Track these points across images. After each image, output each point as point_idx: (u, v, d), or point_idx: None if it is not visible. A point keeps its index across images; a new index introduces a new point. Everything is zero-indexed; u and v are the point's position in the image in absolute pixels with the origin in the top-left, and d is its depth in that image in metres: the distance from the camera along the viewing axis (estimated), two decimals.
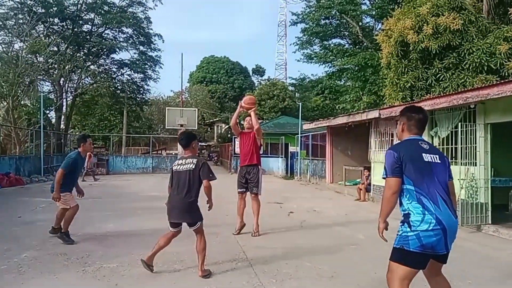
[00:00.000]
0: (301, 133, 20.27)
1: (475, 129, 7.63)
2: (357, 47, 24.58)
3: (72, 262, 4.77)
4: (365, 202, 11.12)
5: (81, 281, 4.10)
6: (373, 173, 11.51)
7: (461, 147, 7.66)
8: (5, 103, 21.37)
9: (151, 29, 29.31)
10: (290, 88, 40.68)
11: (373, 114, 10.77)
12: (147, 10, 28.34)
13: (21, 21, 23.50)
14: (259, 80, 55.53)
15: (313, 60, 26.12)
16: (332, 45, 25.72)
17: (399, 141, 2.96)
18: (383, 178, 2.77)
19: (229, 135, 37.46)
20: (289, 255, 5.25)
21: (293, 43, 27.03)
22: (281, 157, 23.24)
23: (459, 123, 7.82)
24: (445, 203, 2.65)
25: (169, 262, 4.78)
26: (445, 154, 3.05)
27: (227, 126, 44.93)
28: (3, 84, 20.20)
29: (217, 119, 46.65)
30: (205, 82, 52.97)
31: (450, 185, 2.81)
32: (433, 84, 11.28)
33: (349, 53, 22.95)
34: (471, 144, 7.65)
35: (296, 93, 40.72)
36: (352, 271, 4.63)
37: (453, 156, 8.19)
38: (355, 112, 13.57)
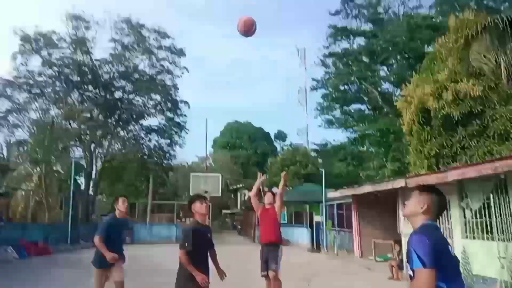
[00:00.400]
0: (325, 202, 19.74)
1: (509, 200, 7.32)
2: (377, 112, 24.92)
3: None
4: (400, 282, 10.34)
5: None
6: (404, 247, 10.95)
7: (496, 221, 7.33)
8: (38, 169, 22.26)
9: (178, 96, 30.79)
10: (313, 154, 40.79)
11: (399, 183, 10.53)
12: (175, 78, 30.07)
13: (58, 88, 25.23)
14: (282, 146, 56.22)
15: (334, 126, 26.51)
16: (352, 110, 26.20)
17: (422, 225, 2.45)
18: (413, 269, 2.27)
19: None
20: None
21: (314, 109, 27.73)
22: (306, 228, 22.31)
23: (491, 195, 7.55)
24: None
25: None
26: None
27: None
28: (37, 150, 21.19)
29: (241, 185, 46.63)
30: (228, 147, 53.97)
31: None
32: (458, 152, 11.05)
33: (370, 119, 23.24)
34: (507, 217, 7.29)
35: (319, 159, 40.70)
36: None
37: (489, 230, 7.81)
38: (380, 180, 13.35)
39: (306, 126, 70.92)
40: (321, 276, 10.36)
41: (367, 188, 12.85)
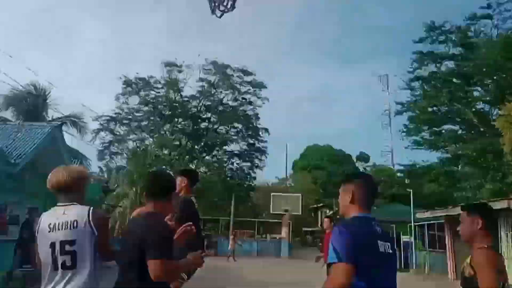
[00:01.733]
0: (415, 222, 18.63)
1: None
2: (472, 132, 22.91)
3: None
4: None
5: None
6: (509, 271, 9.78)
7: None
8: (133, 190, 24.48)
9: (259, 124, 32.06)
10: (399, 174, 38.65)
11: (500, 204, 9.58)
12: (256, 108, 31.54)
13: (152, 122, 28.09)
14: (364, 167, 54.23)
15: (422, 147, 24.94)
16: (443, 131, 24.45)
17: (351, 218, 2.19)
18: (329, 263, 2.02)
19: (333, 223, 36.21)
20: None
21: (399, 131, 26.46)
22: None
23: None
24: None
25: None
26: None
27: (331, 212, 43.73)
28: (133, 173, 23.39)
29: (321, 204, 45.87)
30: (308, 169, 53.69)
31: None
32: None
33: (463, 139, 21.44)
34: None
35: (406, 180, 38.39)
36: None
37: None
38: (478, 201, 12.21)
39: (390, 148, 67.93)
40: None
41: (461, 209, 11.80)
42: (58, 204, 2.41)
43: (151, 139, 27.45)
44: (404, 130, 25.80)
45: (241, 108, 31.58)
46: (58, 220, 2.30)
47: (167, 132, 29.26)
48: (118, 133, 28.17)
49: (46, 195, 11.81)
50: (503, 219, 10.11)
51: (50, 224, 2.29)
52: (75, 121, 23.06)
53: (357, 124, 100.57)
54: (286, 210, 23.23)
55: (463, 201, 15.15)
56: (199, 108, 30.11)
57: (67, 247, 2.23)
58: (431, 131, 24.99)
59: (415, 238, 18.89)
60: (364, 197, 2.23)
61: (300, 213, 25.07)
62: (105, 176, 30.17)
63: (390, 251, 2.15)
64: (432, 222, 16.74)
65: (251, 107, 31.61)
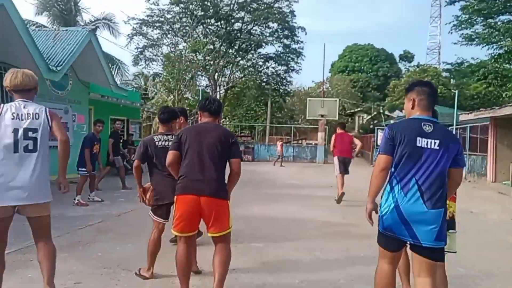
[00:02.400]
0: (456, 125, 18.10)
1: None
2: None
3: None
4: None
5: (233, 256, 4.57)
6: None
7: None
8: (171, 96, 24.97)
9: (295, 22, 30.15)
10: (444, 74, 36.53)
11: None
12: (292, 4, 29.26)
13: (184, 23, 27.09)
14: (407, 67, 51.49)
15: (474, 42, 22.83)
16: (499, 23, 22.01)
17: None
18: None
19: (371, 126, 36.01)
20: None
21: (449, 23, 24.10)
22: None
23: None
24: (419, 192, 2.48)
25: (311, 249, 4.93)
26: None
27: (369, 117, 43.20)
28: (170, 80, 23.59)
29: (359, 109, 45.17)
30: (347, 72, 51.78)
31: (454, 173, 2.60)
32: None
33: None
34: None
35: (452, 80, 36.37)
36: None
37: None
38: None
39: (438, 44, 63.07)
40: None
41: (510, 109, 11.20)
42: (17, 100, 2.90)
43: (184, 44, 26.85)
44: (455, 22, 23.46)
45: (276, 5, 29.55)
46: (21, 112, 2.83)
47: (200, 35, 28.43)
48: (151, 37, 27.70)
49: (90, 102, 12.34)
50: None
51: (14, 113, 2.81)
52: (108, 24, 22.81)
53: (402, 19, 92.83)
54: (322, 115, 23.09)
55: (511, 101, 14.27)
56: (231, 6, 28.39)
57: (30, 134, 2.80)
58: (486, 23, 22.59)
59: None
60: (422, 102, 2.63)
61: (337, 118, 24.85)
62: (143, 83, 30.77)
63: (436, 147, 2.49)
64: (475, 124, 16.16)
65: (287, 2, 29.43)
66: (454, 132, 18.29)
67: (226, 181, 3.12)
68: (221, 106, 3.56)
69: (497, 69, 25.19)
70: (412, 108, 2.66)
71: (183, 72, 23.78)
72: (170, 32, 27.89)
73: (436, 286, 2.59)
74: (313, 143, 28.08)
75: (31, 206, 2.81)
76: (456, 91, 21.08)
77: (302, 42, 30.93)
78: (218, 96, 29.92)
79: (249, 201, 8.61)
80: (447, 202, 2.66)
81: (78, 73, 11.51)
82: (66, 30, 11.09)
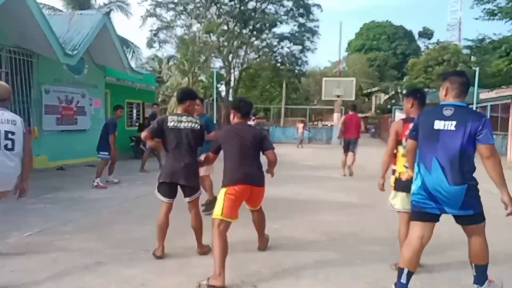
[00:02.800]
0: (477, 104, 17.63)
1: None
2: None
3: (241, 218, 5.26)
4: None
5: (250, 236, 4.60)
6: None
7: None
8: (186, 79, 25.00)
9: None
10: (465, 51, 35.37)
11: None
12: None
13: (198, 4, 26.73)
14: (426, 44, 50.09)
15: (497, 17, 21.92)
16: None
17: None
18: None
19: (388, 106, 35.40)
20: (457, 238, 4.72)
21: None
22: None
23: None
24: (441, 169, 2.79)
25: (327, 231, 4.95)
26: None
27: (387, 97, 42.42)
28: (184, 62, 23.57)
29: (376, 89, 44.36)
30: (364, 50, 50.67)
31: (479, 149, 2.81)
32: None
33: None
34: None
35: (472, 57, 35.22)
36: None
37: None
38: None
39: (458, 19, 60.91)
40: None
41: None
42: None
43: (198, 25, 26.57)
44: None
45: None
46: (1, 117, 3.33)
47: (213, 16, 28.06)
48: (165, 19, 27.49)
49: (106, 86, 12.45)
50: None
51: None
52: (121, 6, 22.73)
53: None
54: (338, 96, 22.76)
55: None
56: None
57: (9, 135, 3.33)
58: None
59: None
60: (454, 90, 2.91)
61: (353, 99, 24.44)
62: (157, 66, 30.81)
63: (452, 128, 2.78)
64: (496, 103, 15.71)
65: None
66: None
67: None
68: (251, 107, 3.99)
69: None
70: (445, 95, 2.95)
71: (197, 54, 23.68)
72: (183, 13, 27.58)
73: (478, 246, 3.09)
74: (329, 124, 27.82)
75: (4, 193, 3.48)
76: (477, 69, 20.37)
77: (317, 20, 30.27)
78: (232, 78, 29.80)
79: (266, 183, 8.64)
80: (403, 166, 3.48)
81: (94, 57, 11.58)
82: (81, 13, 11.11)
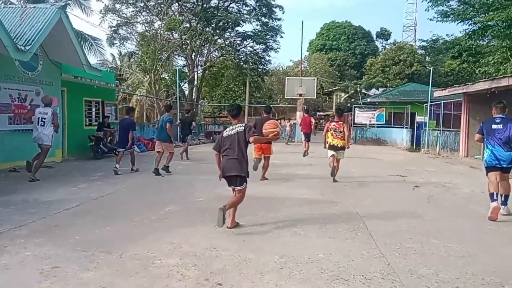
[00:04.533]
0: (431, 102, 18.50)
1: None
2: None
3: (206, 217, 5.36)
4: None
5: (214, 235, 4.60)
6: None
7: None
8: (148, 77, 24.42)
9: (273, 0, 29.63)
10: (420, 51, 37.01)
11: None
12: None
13: (159, 1, 26.15)
14: (384, 45, 51.87)
15: (449, 18, 23.02)
16: None
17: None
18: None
19: (348, 104, 36.36)
20: (414, 230, 4.98)
21: (426, 0, 24.19)
22: (406, 128, 21.71)
23: None
24: (500, 145, 5.71)
25: (290, 226, 5.01)
26: None
27: (346, 95, 43.55)
28: (146, 60, 22.99)
29: (336, 88, 45.44)
30: (324, 50, 51.74)
31: None
32: None
33: (496, 7, 19.60)
34: None
35: (427, 57, 36.92)
36: (488, 253, 4.19)
37: None
38: (501, 76, 11.73)
39: (414, 21, 63.51)
40: (419, 173, 10.15)
41: (483, 85, 11.51)
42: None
43: (160, 22, 25.99)
44: None
45: None
46: (41, 110, 8.36)
47: (175, 13, 27.58)
48: (124, 15, 26.65)
49: (62, 84, 11.92)
50: None
51: (39, 110, 8.37)
52: (79, 1, 21.77)
53: None
54: (300, 95, 23.09)
55: (484, 78, 14.62)
56: None
57: (42, 117, 8.28)
58: None
59: (429, 118, 18.97)
60: (498, 110, 5.89)
61: (315, 97, 24.88)
62: (118, 63, 29.88)
63: (500, 127, 5.73)
64: (449, 100, 16.55)
65: None
66: (428, 109, 18.77)
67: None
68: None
69: (471, 45, 25.66)
70: (494, 113, 5.94)
71: (159, 52, 23.18)
72: (144, 9, 26.88)
73: (508, 185, 5.95)
74: (292, 123, 28.15)
75: None
76: (431, 68, 21.43)
77: (280, 20, 30.57)
78: (195, 76, 29.46)
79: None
80: (339, 141, 8.58)
81: (49, 53, 11.05)
82: (34, 7, 10.53)
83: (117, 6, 26.21)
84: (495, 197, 5.59)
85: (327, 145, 8.76)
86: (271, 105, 30.02)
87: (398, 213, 5.96)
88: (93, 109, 14.36)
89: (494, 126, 5.80)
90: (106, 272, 3.45)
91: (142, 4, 26.52)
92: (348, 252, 4.08)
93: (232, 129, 4.97)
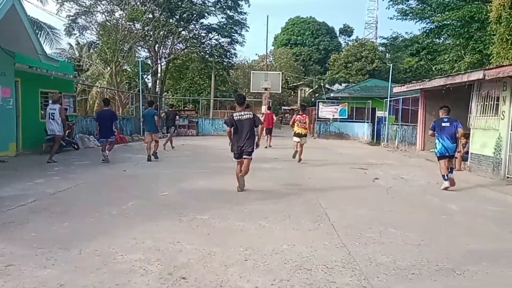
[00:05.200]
0: (390, 97, 19.17)
1: None
2: None
3: (170, 212, 5.30)
4: (461, 172, 10.28)
5: (178, 229, 4.56)
6: (472, 140, 10.53)
7: None
8: (108, 68, 23.61)
9: None
10: (381, 48, 38.15)
11: (476, 75, 9.65)
12: None
13: None
14: (346, 41, 53.01)
15: (408, 17, 23.89)
16: None
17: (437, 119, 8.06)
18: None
19: (313, 99, 36.96)
20: (373, 220, 5.17)
21: None
22: (367, 122, 22.40)
23: None
24: (447, 139, 7.56)
25: (255, 218, 5.05)
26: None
27: (311, 90, 44.24)
28: (106, 50, 22.20)
29: (301, 82, 46.02)
30: (289, 45, 52.16)
31: (457, 130, 7.60)
32: None
33: (451, 7, 20.54)
34: None
35: (387, 54, 38.13)
36: (441, 241, 4.42)
37: None
38: (455, 73, 12.34)
39: (375, 19, 65.35)
40: (379, 166, 10.52)
41: (439, 81, 12.04)
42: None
43: (121, 12, 25.10)
44: None
45: None
46: (50, 106, 10.12)
47: (137, 3, 26.75)
48: (83, 4, 25.49)
49: (16, 74, 11.29)
50: (476, 90, 10.39)
51: (49, 107, 10.17)
52: None
53: None
54: (265, 89, 23.19)
55: (440, 75, 15.31)
56: None
57: (52, 112, 9.93)
58: None
59: (389, 113, 19.66)
60: (445, 113, 7.83)
61: (280, 91, 25.04)
62: (76, 54, 28.66)
63: (447, 125, 7.66)
64: (407, 96, 17.20)
65: None
66: (388, 104, 19.45)
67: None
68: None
69: (428, 43, 26.78)
70: (442, 114, 7.81)
71: (121, 43, 22.44)
72: None
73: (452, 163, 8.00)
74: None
75: None
76: (391, 65, 22.16)
77: (245, 13, 30.43)
78: (159, 69, 28.83)
79: (195, 175, 8.57)
80: (303, 130, 10.90)
81: (1, 41, 10.41)
82: None
83: None
84: (445, 178, 7.56)
85: (293, 132, 11.18)
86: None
87: (359, 204, 6.16)
88: (50, 101, 13.70)
89: (443, 124, 7.64)
90: (64, 269, 3.33)
91: None
92: (311, 243, 4.17)
93: (241, 115, 6.66)
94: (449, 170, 7.59)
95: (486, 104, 10.01)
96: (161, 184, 7.37)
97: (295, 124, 11.07)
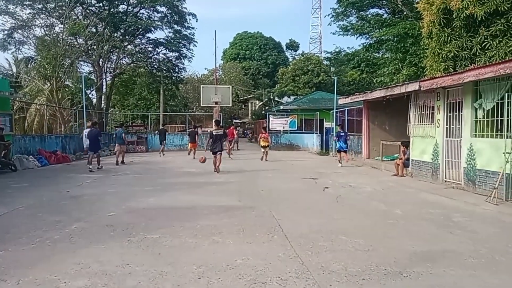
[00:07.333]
0: (336, 108, 19.92)
1: None
2: (396, 16, 23.42)
3: (117, 233, 5.06)
4: (403, 178, 10.87)
5: (127, 250, 4.36)
6: (412, 147, 11.18)
7: (507, 119, 7.27)
8: (48, 84, 22.39)
9: (185, 8, 29.38)
10: (325, 62, 39.69)
11: (413, 86, 10.36)
12: None
13: (60, 3, 24.16)
14: (293, 55, 54.56)
15: (349, 32, 25.19)
16: (369, 15, 24.66)
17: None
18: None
19: (263, 112, 37.50)
20: (325, 229, 5.28)
21: (328, 15, 26.18)
22: (316, 133, 23.07)
23: (506, 94, 7.39)
24: (342, 142, 14.17)
25: (208, 234, 4.96)
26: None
27: (261, 103, 44.88)
28: (46, 66, 21.07)
29: (251, 96, 46.56)
30: (238, 59, 52.76)
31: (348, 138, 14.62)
32: (478, 54, 10.65)
33: (388, 23, 21.96)
34: None
35: (332, 68, 39.74)
36: (388, 245, 4.61)
37: (499, 129, 7.80)
38: (394, 85, 13.12)
39: (319, 34, 68.10)
40: (328, 175, 10.84)
41: (380, 93, 12.72)
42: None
43: (61, 26, 23.98)
44: (333, 14, 25.55)
45: None
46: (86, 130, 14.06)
47: (79, 17, 25.74)
48: (20, 18, 24.06)
49: None
50: (413, 100, 11.11)
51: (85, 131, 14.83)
52: None
53: (287, 8, 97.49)
54: (216, 102, 23.17)
55: (380, 87, 16.21)
56: None
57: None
58: (359, 15, 25.10)
59: (336, 124, 20.40)
60: (340, 128, 15.20)
61: (230, 105, 25.13)
62: (13, 70, 26.94)
63: (342, 134, 14.42)
64: (352, 107, 17.96)
65: None
66: (334, 115, 20.20)
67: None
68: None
69: (368, 57, 28.34)
70: (339, 129, 15.10)
71: (61, 57, 21.42)
72: (43, 12, 24.58)
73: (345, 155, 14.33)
74: (209, 131, 28.04)
75: None
76: (335, 78, 23.10)
77: (193, 28, 30.40)
78: (104, 84, 27.82)
79: (144, 192, 8.29)
80: (266, 143, 16.80)
81: None
82: None
83: (11, 7, 23.65)
84: (340, 164, 13.77)
85: (260, 145, 16.86)
86: (187, 113, 29.89)
87: (311, 214, 6.28)
88: None
89: (341, 134, 14.05)
90: None
91: (40, 6, 24.31)
92: (265, 256, 4.17)
93: (218, 131, 11.94)
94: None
95: (423, 113, 10.72)
96: (108, 204, 7.04)
97: (262, 140, 16.75)
